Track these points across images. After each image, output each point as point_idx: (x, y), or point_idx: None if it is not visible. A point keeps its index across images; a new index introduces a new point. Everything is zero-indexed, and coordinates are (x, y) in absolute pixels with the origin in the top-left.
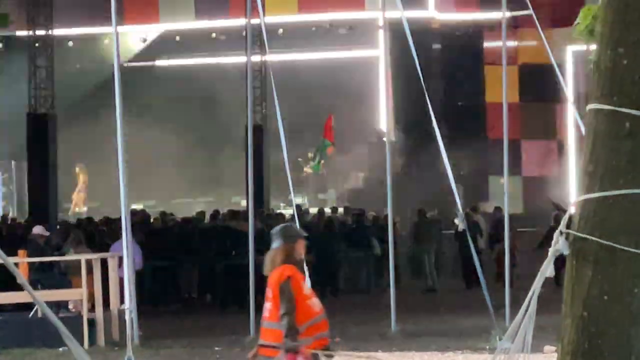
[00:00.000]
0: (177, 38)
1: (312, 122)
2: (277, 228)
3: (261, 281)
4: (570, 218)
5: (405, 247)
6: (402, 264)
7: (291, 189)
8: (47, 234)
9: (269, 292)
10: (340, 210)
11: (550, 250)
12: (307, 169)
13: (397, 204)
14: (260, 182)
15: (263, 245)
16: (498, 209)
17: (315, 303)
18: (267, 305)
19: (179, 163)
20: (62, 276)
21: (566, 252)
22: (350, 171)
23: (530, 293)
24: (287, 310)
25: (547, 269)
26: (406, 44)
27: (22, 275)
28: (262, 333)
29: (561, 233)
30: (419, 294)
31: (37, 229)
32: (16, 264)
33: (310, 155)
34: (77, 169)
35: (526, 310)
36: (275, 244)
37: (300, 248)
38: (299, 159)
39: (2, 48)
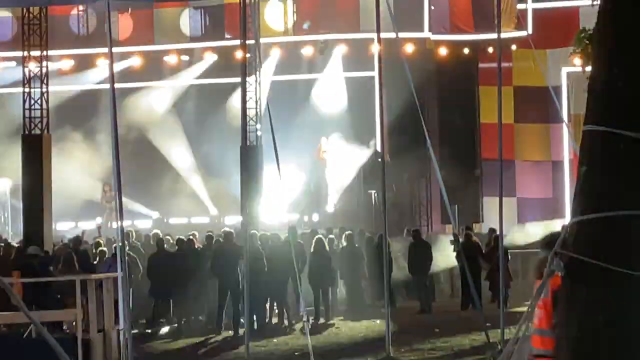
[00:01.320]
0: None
1: (307, 142)
2: (545, 237)
3: (256, 301)
4: (565, 239)
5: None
6: (396, 285)
7: (286, 208)
8: (42, 254)
9: (540, 300)
10: (336, 231)
11: (545, 270)
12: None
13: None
14: (254, 201)
15: (257, 266)
16: (492, 230)
17: None
18: (537, 312)
19: (174, 183)
20: (56, 297)
21: (561, 272)
22: (344, 191)
23: (525, 314)
24: None
25: (542, 290)
26: (401, 64)
27: (18, 296)
28: (533, 341)
29: (556, 254)
30: (414, 314)
31: (32, 250)
32: (10, 285)
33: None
34: (105, 187)
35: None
36: (544, 253)
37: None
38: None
39: None
